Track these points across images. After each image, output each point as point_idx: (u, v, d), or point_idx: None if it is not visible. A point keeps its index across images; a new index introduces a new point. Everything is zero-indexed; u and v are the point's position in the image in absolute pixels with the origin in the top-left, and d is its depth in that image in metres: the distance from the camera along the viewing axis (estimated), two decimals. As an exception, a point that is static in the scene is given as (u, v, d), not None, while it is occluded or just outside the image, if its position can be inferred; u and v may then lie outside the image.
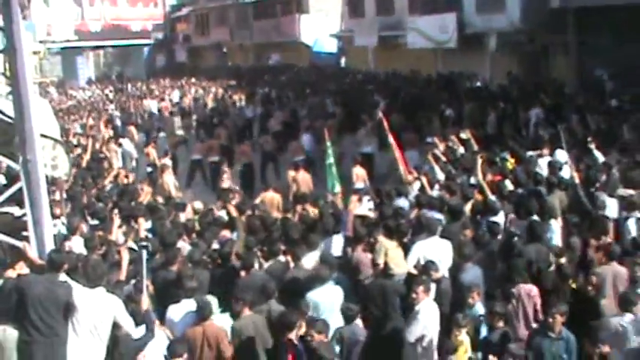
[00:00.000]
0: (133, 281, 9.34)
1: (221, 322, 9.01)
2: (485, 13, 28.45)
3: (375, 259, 10.32)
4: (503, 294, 9.50)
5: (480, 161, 14.18)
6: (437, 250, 10.52)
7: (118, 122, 33.86)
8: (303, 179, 17.52)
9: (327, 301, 9.43)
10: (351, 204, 11.99)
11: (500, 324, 8.78)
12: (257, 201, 15.22)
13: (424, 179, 14.10)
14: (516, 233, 11.24)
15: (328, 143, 15.12)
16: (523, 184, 13.61)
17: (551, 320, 8.27)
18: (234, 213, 12.77)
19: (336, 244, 11.44)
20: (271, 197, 15.60)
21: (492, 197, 12.64)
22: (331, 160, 14.68)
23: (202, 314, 8.69)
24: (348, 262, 10.84)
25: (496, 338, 8.45)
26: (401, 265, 10.40)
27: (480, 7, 28.92)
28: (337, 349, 8.58)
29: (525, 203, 12.10)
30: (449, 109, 23.80)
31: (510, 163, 15.50)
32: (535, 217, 11.37)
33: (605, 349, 7.77)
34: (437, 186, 14.19)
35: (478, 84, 28.83)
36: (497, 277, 10.24)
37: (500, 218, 11.70)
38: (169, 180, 17.97)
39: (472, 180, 14.01)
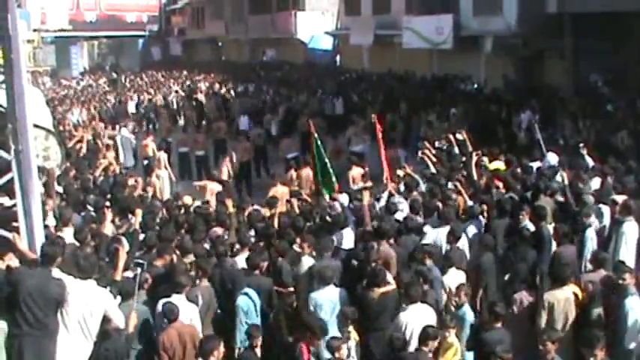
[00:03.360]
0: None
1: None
2: (481, 15, 28.43)
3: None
4: (505, 299, 9.52)
5: (474, 160, 14.23)
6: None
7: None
8: (307, 176, 17.44)
9: (330, 302, 9.45)
10: (364, 199, 11.95)
11: (498, 325, 8.68)
12: (270, 194, 15.16)
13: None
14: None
15: (319, 142, 15.08)
16: (513, 188, 13.52)
17: (542, 347, 7.99)
18: (231, 209, 12.72)
19: (347, 239, 11.58)
20: (282, 191, 15.69)
21: (470, 202, 12.65)
22: (323, 159, 14.72)
23: (170, 317, 8.63)
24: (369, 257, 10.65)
25: (493, 338, 8.35)
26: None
27: (476, 9, 28.90)
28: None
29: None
30: (454, 109, 23.82)
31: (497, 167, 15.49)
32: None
33: (601, 355, 7.68)
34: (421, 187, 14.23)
35: (475, 86, 28.86)
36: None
37: (478, 223, 11.67)
38: (161, 177, 18.06)
39: (450, 185, 14.01)
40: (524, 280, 9.77)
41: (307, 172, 17.48)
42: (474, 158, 14.37)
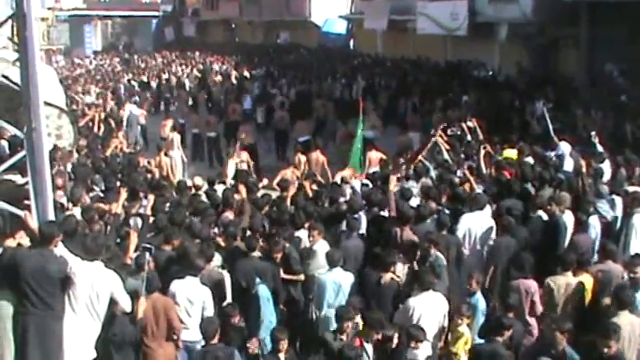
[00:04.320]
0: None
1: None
2: (497, 2, 28.26)
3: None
4: (502, 287, 9.53)
5: (482, 152, 14.17)
6: (481, 223, 10.99)
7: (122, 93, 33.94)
8: (316, 160, 17.44)
9: (334, 284, 9.53)
10: (390, 184, 11.96)
11: (510, 315, 8.68)
12: (277, 179, 15.13)
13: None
14: None
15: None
16: (528, 178, 13.40)
17: (550, 336, 8.00)
18: (244, 195, 12.70)
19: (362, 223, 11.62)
20: (292, 174, 15.63)
21: (478, 190, 12.56)
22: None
23: (148, 288, 8.58)
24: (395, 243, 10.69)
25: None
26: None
27: (492, -5, 28.78)
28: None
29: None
30: (465, 96, 23.73)
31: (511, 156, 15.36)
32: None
33: (616, 346, 7.68)
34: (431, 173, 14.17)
35: (491, 73, 28.73)
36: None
37: (486, 212, 11.51)
38: (173, 158, 18.11)
39: (459, 172, 13.97)
40: (523, 268, 9.76)
41: (316, 156, 17.45)
42: (482, 151, 14.33)
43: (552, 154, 15.19)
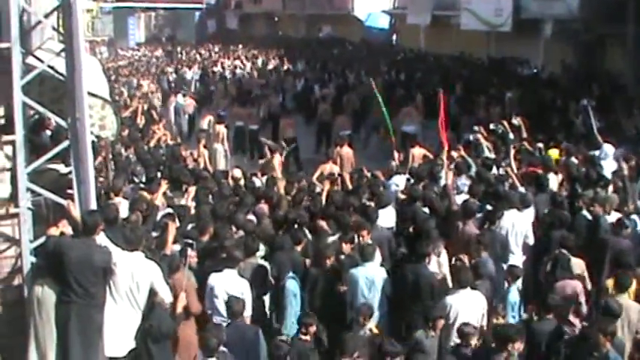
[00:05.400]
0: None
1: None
2: (542, -2, 27.96)
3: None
4: (547, 286, 9.50)
5: (513, 151, 14.05)
6: (513, 221, 10.97)
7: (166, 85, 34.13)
8: (346, 154, 17.41)
9: (366, 279, 9.42)
10: (448, 178, 12.07)
11: (550, 316, 8.57)
12: (317, 173, 15.11)
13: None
14: None
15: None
16: (577, 178, 13.14)
17: (593, 338, 7.77)
18: (282, 191, 12.72)
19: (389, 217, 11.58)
20: (330, 168, 15.54)
21: (522, 189, 12.41)
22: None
23: (171, 267, 8.59)
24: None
25: (543, 329, 8.34)
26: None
27: (537, -8, 28.42)
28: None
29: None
30: (509, 93, 23.48)
31: (554, 155, 15.14)
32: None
33: None
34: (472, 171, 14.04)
35: (535, 70, 28.40)
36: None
37: (526, 213, 11.42)
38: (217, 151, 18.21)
39: (500, 170, 13.85)
40: (569, 268, 9.67)
41: (347, 151, 17.42)
42: (512, 150, 14.21)
43: (597, 153, 14.99)
